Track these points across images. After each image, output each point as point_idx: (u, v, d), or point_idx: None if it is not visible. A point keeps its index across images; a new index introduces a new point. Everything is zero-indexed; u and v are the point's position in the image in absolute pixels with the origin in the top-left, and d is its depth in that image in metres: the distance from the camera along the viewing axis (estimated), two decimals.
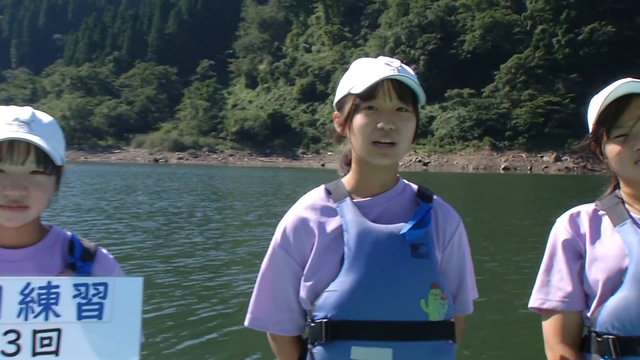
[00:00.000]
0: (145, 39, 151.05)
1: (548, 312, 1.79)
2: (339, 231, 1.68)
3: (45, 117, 1.64)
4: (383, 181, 1.75)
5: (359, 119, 1.66)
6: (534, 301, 1.82)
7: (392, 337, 1.59)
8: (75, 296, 1.46)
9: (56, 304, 1.45)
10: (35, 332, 1.42)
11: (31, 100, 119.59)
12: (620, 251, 1.67)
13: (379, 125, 1.63)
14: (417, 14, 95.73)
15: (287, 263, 1.73)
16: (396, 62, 1.69)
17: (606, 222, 1.76)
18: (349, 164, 1.81)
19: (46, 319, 1.43)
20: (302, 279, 1.70)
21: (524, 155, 76.07)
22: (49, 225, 1.72)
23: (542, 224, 16.58)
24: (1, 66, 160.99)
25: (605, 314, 1.65)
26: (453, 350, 1.69)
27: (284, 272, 1.73)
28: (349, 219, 1.68)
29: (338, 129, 1.77)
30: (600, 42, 79.30)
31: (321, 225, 1.71)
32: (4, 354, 1.39)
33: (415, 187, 1.81)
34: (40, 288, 1.44)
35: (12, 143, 1.52)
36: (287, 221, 1.76)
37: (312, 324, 1.65)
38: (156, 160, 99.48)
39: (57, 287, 1.46)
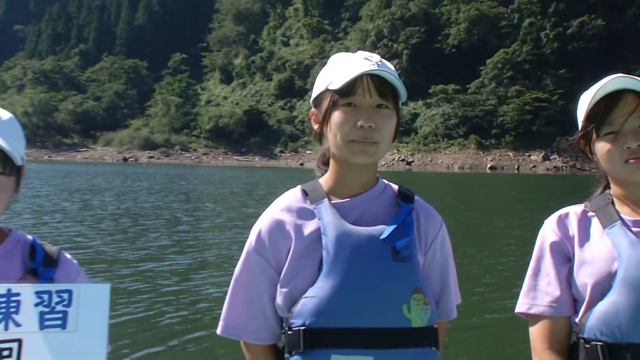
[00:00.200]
0: (113, 31, 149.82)
1: (535, 318, 1.80)
2: (317, 234, 1.67)
3: (4, 114, 1.62)
4: (362, 181, 1.75)
5: (337, 116, 1.66)
6: (521, 306, 1.83)
7: (374, 344, 1.59)
8: (37, 304, 1.43)
9: (16, 312, 1.42)
10: None
11: None
12: (609, 254, 1.68)
13: (358, 123, 1.63)
14: (400, 6, 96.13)
15: (262, 268, 1.72)
16: (376, 57, 1.69)
17: (595, 223, 1.77)
18: (326, 164, 1.81)
19: (6, 328, 1.40)
20: (278, 284, 1.69)
21: (511, 154, 76.77)
22: (8, 228, 1.70)
23: (525, 226, 16.85)
24: None
25: (594, 319, 1.65)
26: (436, 358, 1.69)
27: (258, 278, 1.72)
28: (327, 221, 1.67)
29: (315, 127, 1.76)
30: (590, 36, 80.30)
31: (298, 228, 1.70)
32: None
33: (395, 187, 1.81)
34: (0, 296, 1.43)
35: None
36: (262, 224, 1.75)
37: (289, 332, 1.64)
38: (125, 160, 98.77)
39: (17, 294, 1.43)
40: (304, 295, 1.63)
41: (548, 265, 1.79)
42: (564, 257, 1.78)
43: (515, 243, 13.76)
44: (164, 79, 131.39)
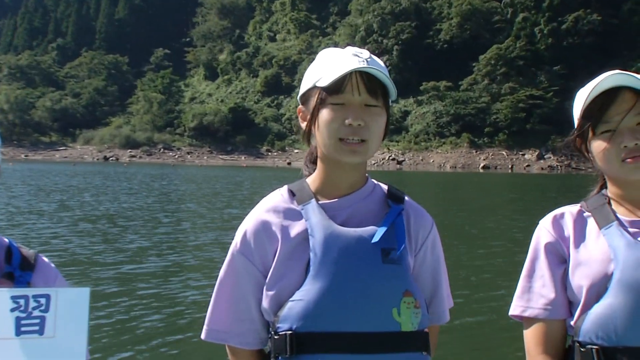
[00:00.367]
0: (93, 25, 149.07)
1: (529, 321, 1.81)
2: (304, 236, 1.67)
3: None
4: (351, 181, 1.75)
5: (325, 115, 1.66)
6: (515, 308, 1.83)
7: (362, 349, 1.59)
8: (13, 309, 1.41)
9: None
10: None
11: None
12: (605, 255, 1.69)
13: (347, 121, 1.63)
14: (390, 1, 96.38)
15: (247, 270, 1.71)
16: (365, 53, 1.69)
17: (591, 224, 1.78)
18: (314, 162, 1.82)
19: None
20: (264, 287, 1.68)
21: (504, 152, 77.14)
22: None
23: (516, 227, 16.97)
24: None
25: (589, 322, 1.66)
26: None
27: (244, 280, 1.72)
28: (314, 222, 1.67)
29: (303, 125, 1.76)
30: (585, 32, 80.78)
31: (284, 230, 1.70)
32: None
33: (385, 187, 1.81)
34: None
35: None
36: (248, 225, 1.75)
37: (276, 337, 1.63)
38: (106, 159, 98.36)
39: None
40: (290, 299, 1.62)
41: (543, 266, 1.80)
42: (559, 259, 1.79)
43: (506, 244, 13.87)
44: (146, 75, 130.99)
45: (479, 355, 6.57)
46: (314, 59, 1.79)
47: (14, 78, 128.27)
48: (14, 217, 17.42)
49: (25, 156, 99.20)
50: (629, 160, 1.68)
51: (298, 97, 1.80)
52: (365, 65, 1.63)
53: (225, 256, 1.78)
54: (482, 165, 74.70)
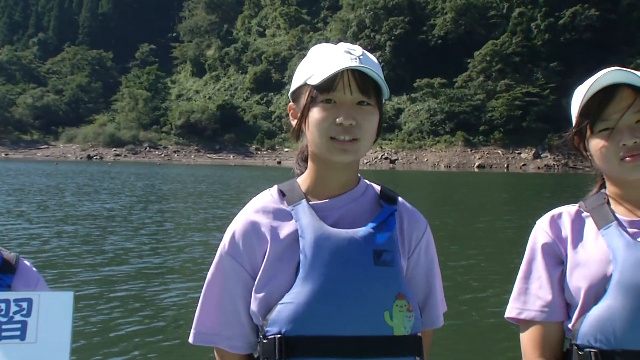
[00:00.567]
0: (76, 19, 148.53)
1: (526, 323, 1.81)
2: (294, 237, 1.67)
3: None
4: (343, 181, 1.75)
5: (315, 113, 1.66)
6: (511, 311, 1.84)
7: (353, 353, 1.58)
8: None
9: None
10: None
11: None
12: (604, 256, 1.69)
13: (338, 120, 1.63)
14: None
15: (236, 272, 1.71)
16: (358, 50, 1.69)
17: (590, 224, 1.78)
18: (306, 160, 1.82)
19: None
20: (253, 290, 1.68)
21: (500, 151, 77.39)
22: None
23: (510, 227, 17.10)
24: None
25: (588, 325, 1.66)
26: None
27: (232, 282, 1.72)
28: (304, 223, 1.67)
29: (293, 123, 1.76)
30: (583, 27, 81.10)
31: (274, 231, 1.70)
32: None
33: (378, 187, 1.81)
34: None
35: None
36: (236, 226, 1.74)
37: (265, 341, 1.63)
38: (90, 157, 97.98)
39: None
40: (280, 302, 1.62)
41: (540, 267, 1.80)
42: (557, 260, 1.79)
43: (499, 245, 13.97)
44: (131, 71, 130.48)
45: (473, 359, 6.59)
46: (304, 55, 1.80)
47: None
48: None
49: (5, 155, 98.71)
50: (627, 159, 1.68)
51: (289, 94, 1.80)
52: (357, 64, 1.63)
53: (210, 257, 1.78)
54: (477, 164, 74.93)
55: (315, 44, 1.84)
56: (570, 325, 1.73)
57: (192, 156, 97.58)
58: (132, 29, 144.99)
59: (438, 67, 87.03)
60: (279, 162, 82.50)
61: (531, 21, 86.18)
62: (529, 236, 1.87)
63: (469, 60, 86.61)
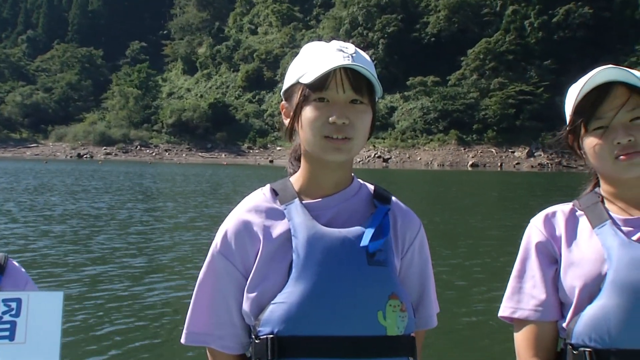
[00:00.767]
0: (65, 16, 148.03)
1: (520, 323, 1.81)
2: (287, 236, 1.67)
3: None
4: (336, 180, 1.75)
5: (308, 112, 1.66)
6: (505, 310, 1.84)
7: (346, 353, 1.59)
8: None
9: None
10: None
11: None
12: (598, 255, 1.70)
13: (331, 119, 1.63)
14: None
15: (228, 271, 1.71)
16: (351, 48, 1.69)
17: (584, 223, 1.79)
18: (299, 159, 1.82)
19: None
20: (245, 289, 1.68)
21: (493, 150, 77.58)
22: None
23: (502, 226, 17.18)
24: None
25: (582, 324, 1.67)
26: None
27: (224, 282, 1.71)
28: (297, 222, 1.67)
29: (285, 121, 1.76)
30: (577, 25, 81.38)
31: (266, 230, 1.69)
32: None
33: (371, 187, 1.82)
34: None
35: None
36: (228, 225, 1.74)
37: (257, 341, 1.63)
38: (80, 156, 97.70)
39: None
40: (272, 301, 1.62)
41: (533, 266, 1.80)
42: (551, 259, 1.80)
43: (491, 244, 13.99)
44: (122, 69, 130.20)
45: (466, 358, 6.61)
46: (296, 53, 1.80)
47: None
48: None
49: None
50: (622, 157, 1.68)
51: (281, 93, 1.80)
52: (350, 62, 1.63)
53: (200, 257, 1.78)
54: (470, 163, 75.11)
55: (307, 42, 1.85)
56: (564, 325, 1.74)
57: (184, 155, 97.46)
58: (122, 27, 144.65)
59: (431, 65, 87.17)
60: (271, 161, 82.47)
61: (525, 19, 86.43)
62: (522, 235, 1.87)
63: (462, 59, 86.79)
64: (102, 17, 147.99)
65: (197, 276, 1.78)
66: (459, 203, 25.89)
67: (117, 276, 10.11)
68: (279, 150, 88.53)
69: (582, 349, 1.66)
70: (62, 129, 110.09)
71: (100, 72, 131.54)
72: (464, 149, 79.07)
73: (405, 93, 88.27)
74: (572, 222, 1.80)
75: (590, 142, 1.74)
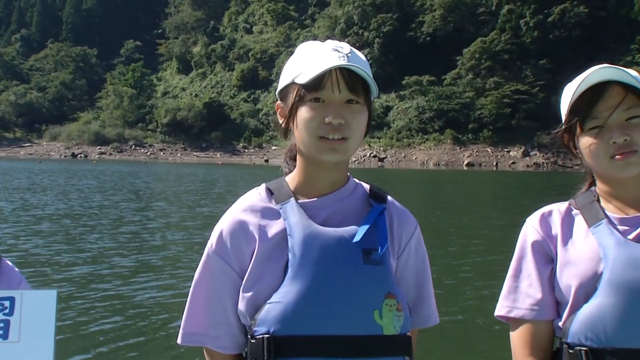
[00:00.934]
0: (59, 15, 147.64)
1: (516, 322, 1.82)
2: (283, 236, 1.67)
3: None
4: (332, 180, 1.75)
5: (304, 112, 1.66)
6: (501, 309, 1.85)
7: (342, 353, 1.58)
8: None
9: None
10: None
11: None
12: (594, 254, 1.70)
13: (327, 119, 1.63)
14: None
15: (223, 271, 1.71)
16: (346, 48, 1.69)
17: (580, 222, 1.80)
18: (294, 159, 1.82)
19: None
20: (241, 289, 1.68)
21: (489, 149, 77.62)
22: None
23: (495, 225, 17.20)
24: None
25: (578, 323, 1.67)
26: None
27: (220, 281, 1.72)
28: (293, 222, 1.67)
29: (281, 121, 1.76)
30: (572, 25, 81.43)
31: (262, 229, 1.70)
32: None
33: (367, 186, 1.82)
34: None
35: None
36: (224, 224, 1.74)
37: (253, 341, 1.63)
38: (74, 156, 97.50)
39: None
40: (268, 301, 1.62)
41: (529, 265, 1.81)
42: (547, 258, 1.80)
43: (483, 243, 14.01)
44: (116, 68, 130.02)
45: (461, 358, 6.62)
46: (292, 52, 1.79)
47: None
48: None
49: None
50: (618, 157, 1.69)
51: (276, 93, 1.80)
52: (345, 62, 1.63)
53: (192, 256, 1.78)
54: (466, 162, 75.15)
55: (302, 41, 1.85)
56: (560, 324, 1.74)
57: (179, 154, 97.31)
58: (116, 25, 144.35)
59: (427, 64, 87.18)
60: (267, 161, 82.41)
61: (520, 18, 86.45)
62: (515, 234, 1.87)
63: (457, 58, 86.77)
64: (96, 16, 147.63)
65: (189, 276, 1.78)
66: (453, 202, 25.91)
67: (108, 275, 10.11)
68: (274, 149, 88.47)
69: (578, 348, 1.66)
70: (56, 128, 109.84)
71: (95, 72, 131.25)
72: (460, 149, 79.10)
73: (401, 92, 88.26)
74: (568, 221, 1.81)
75: (585, 142, 1.75)
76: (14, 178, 37.05)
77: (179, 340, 1.78)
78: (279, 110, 1.78)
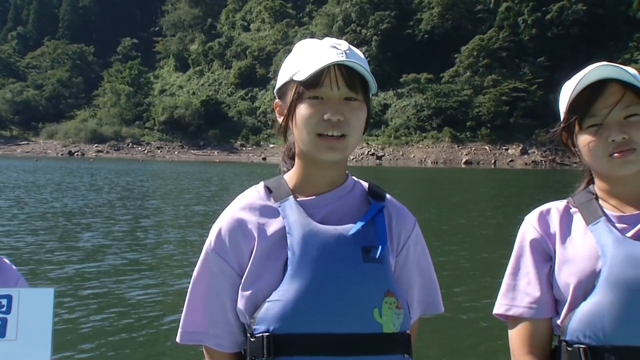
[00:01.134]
0: (56, 13, 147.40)
1: (514, 320, 1.82)
2: (282, 234, 1.67)
3: None
4: (330, 178, 1.75)
5: (302, 109, 1.66)
6: (499, 307, 1.85)
7: (342, 351, 1.59)
8: None
9: None
10: None
11: None
12: (592, 252, 1.71)
13: (325, 116, 1.63)
14: None
15: (222, 269, 1.71)
16: (344, 45, 1.69)
17: (578, 220, 1.80)
18: (292, 158, 1.81)
19: None
20: (240, 287, 1.68)
21: (487, 147, 77.66)
22: None
23: (490, 224, 17.26)
24: None
25: (577, 321, 1.67)
26: None
27: (219, 280, 1.71)
28: (292, 220, 1.67)
29: (279, 119, 1.76)
30: (570, 22, 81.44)
31: (261, 228, 1.69)
32: None
33: (365, 184, 1.82)
34: None
35: None
36: (222, 223, 1.74)
37: (252, 339, 1.63)
38: (71, 154, 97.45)
39: None
40: (267, 299, 1.62)
41: (528, 264, 1.81)
42: (545, 256, 1.80)
43: (481, 241, 14.07)
44: (113, 65, 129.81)
45: (458, 357, 6.61)
46: (289, 50, 1.79)
47: None
48: None
49: None
50: (616, 155, 1.69)
51: (274, 91, 1.80)
52: (344, 58, 1.63)
53: (188, 254, 1.78)
54: (464, 160, 75.17)
55: (300, 39, 1.85)
56: (559, 322, 1.74)
57: (176, 152, 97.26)
58: (113, 23, 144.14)
59: (425, 62, 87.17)
60: (264, 159, 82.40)
61: (518, 16, 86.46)
62: (512, 232, 1.87)
63: (455, 55, 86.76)
64: (93, 14, 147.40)
65: (185, 273, 1.79)
66: (451, 200, 25.94)
67: (102, 273, 10.13)
68: (272, 147, 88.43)
69: (576, 345, 1.66)
70: (53, 126, 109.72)
71: (91, 69, 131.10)
72: (458, 146, 79.13)
73: (399, 90, 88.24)
74: (566, 219, 1.81)
75: (584, 140, 1.75)
76: (10, 176, 37.05)
77: (177, 339, 1.78)
78: (277, 108, 1.78)
